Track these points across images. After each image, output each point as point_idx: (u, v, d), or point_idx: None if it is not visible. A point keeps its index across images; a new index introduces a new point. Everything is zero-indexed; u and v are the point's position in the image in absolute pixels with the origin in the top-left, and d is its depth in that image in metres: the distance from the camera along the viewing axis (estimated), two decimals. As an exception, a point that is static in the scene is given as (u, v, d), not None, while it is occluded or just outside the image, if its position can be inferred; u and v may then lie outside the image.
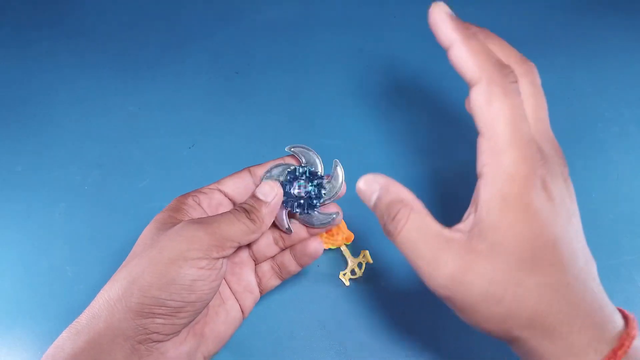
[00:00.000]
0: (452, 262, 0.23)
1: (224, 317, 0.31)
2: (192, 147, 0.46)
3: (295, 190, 0.31)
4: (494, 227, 0.22)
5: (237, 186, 0.32)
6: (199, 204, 0.30)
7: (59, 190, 0.44)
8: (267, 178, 0.31)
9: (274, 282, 0.34)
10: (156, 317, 0.25)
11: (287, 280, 0.38)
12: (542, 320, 0.22)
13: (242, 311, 0.32)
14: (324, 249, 0.38)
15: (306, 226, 0.32)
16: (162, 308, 0.25)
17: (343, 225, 0.39)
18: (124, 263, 0.28)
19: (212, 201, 0.31)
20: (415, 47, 0.52)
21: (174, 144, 0.46)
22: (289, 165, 0.32)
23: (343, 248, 0.38)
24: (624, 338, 0.22)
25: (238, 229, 0.27)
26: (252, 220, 0.28)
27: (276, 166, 0.32)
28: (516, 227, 0.22)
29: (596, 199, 0.42)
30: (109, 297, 0.25)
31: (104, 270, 0.40)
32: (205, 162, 0.45)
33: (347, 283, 0.38)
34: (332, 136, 0.46)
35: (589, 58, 0.51)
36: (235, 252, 0.32)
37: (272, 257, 0.33)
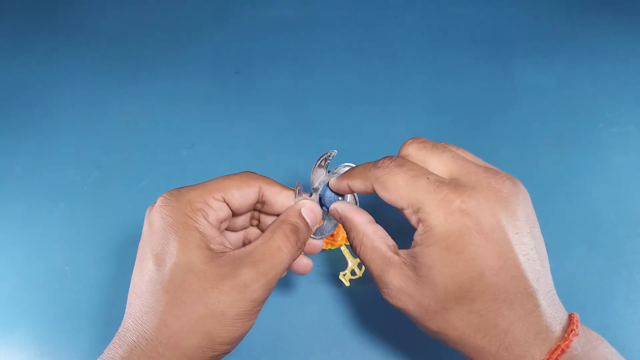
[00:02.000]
0: (395, 280, 0.26)
1: None
2: (191, 147, 0.46)
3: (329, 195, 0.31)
4: (424, 265, 0.25)
5: (244, 200, 0.28)
6: (206, 219, 0.27)
7: (59, 191, 0.44)
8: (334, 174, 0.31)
9: None
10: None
11: (287, 280, 0.38)
12: (471, 342, 0.25)
13: None
14: (324, 249, 0.38)
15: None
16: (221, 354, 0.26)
17: (343, 225, 0.39)
18: (139, 267, 0.26)
19: (219, 214, 0.28)
20: (415, 47, 0.52)
21: (174, 144, 0.46)
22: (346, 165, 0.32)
23: (343, 248, 0.38)
24: (551, 352, 0.23)
25: (286, 261, 0.26)
26: (299, 246, 0.27)
27: (345, 165, 0.31)
28: (442, 267, 0.24)
29: (596, 199, 0.42)
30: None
31: (103, 271, 0.40)
32: (205, 162, 0.45)
33: (347, 283, 0.38)
34: (332, 136, 0.46)
35: (589, 58, 0.51)
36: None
37: None
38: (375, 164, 0.28)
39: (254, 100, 0.49)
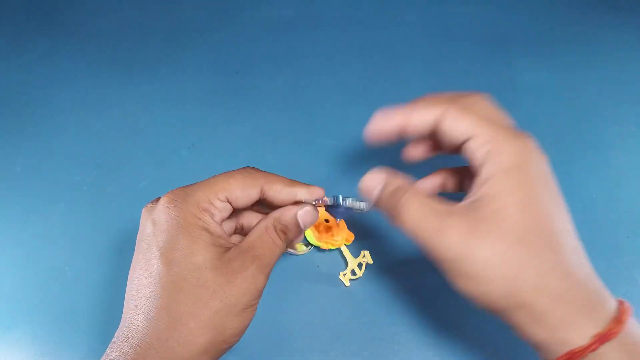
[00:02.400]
0: (456, 233, 0.24)
1: None
2: (191, 147, 0.46)
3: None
4: (496, 194, 0.24)
5: (246, 199, 0.29)
6: (212, 219, 0.28)
7: (58, 191, 0.43)
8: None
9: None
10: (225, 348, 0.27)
11: (287, 280, 0.38)
12: (537, 299, 0.23)
13: None
14: (324, 249, 0.38)
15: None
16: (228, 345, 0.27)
17: (343, 225, 0.39)
18: (136, 262, 0.26)
19: (223, 214, 0.29)
20: (415, 47, 0.52)
21: (174, 143, 0.46)
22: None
23: (343, 248, 0.38)
24: (612, 325, 0.22)
25: (276, 255, 0.28)
26: (286, 245, 0.29)
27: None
28: (517, 196, 0.24)
29: (596, 199, 0.42)
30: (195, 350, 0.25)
31: (103, 271, 0.40)
32: (205, 162, 0.45)
33: (347, 283, 0.38)
34: (332, 136, 0.46)
35: (590, 58, 0.51)
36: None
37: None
38: (452, 95, 0.28)
39: (254, 100, 0.49)
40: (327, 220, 0.39)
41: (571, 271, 0.24)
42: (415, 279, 0.38)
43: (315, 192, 0.30)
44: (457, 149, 0.28)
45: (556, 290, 0.23)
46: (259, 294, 0.27)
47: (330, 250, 0.39)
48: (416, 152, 0.33)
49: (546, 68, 0.50)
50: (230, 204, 0.28)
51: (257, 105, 0.48)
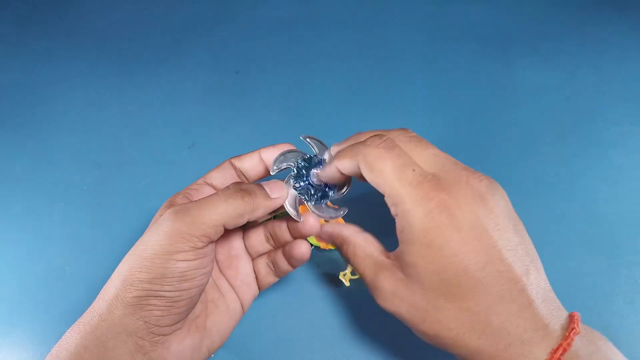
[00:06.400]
0: (387, 283, 0.27)
1: (225, 310, 0.31)
2: (191, 146, 0.46)
3: (313, 179, 0.31)
4: (409, 263, 0.25)
5: (224, 178, 0.32)
6: (191, 200, 0.30)
7: (58, 190, 0.43)
8: (281, 162, 0.30)
9: (271, 279, 0.33)
10: (154, 310, 0.25)
11: (287, 280, 0.38)
12: (468, 343, 0.24)
13: (241, 305, 0.32)
14: (324, 249, 0.38)
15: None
16: (158, 299, 0.25)
17: (343, 225, 0.39)
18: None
19: (204, 195, 0.31)
20: (415, 47, 0.52)
21: (174, 143, 0.46)
22: (304, 152, 0.31)
23: (343, 248, 0.38)
24: (553, 351, 0.22)
25: (223, 212, 0.26)
26: (244, 201, 0.27)
27: (290, 151, 0.31)
28: (425, 264, 0.25)
29: (596, 199, 0.42)
30: (107, 296, 0.26)
31: (103, 271, 0.39)
32: (204, 161, 0.45)
33: (347, 283, 0.38)
34: (332, 136, 0.46)
35: (590, 57, 0.51)
36: (229, 244, 0.33)
37: (267, 254, 0.33)
38: (364, 142, 0.28)
39: (254, 100, 0.49)
40: (327, 220, 0.39)
41: (501, 311, 0.23)
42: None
43: (280, 147, 0.31)
44: None
45: (483, 338, 0.24)
46: (178, 242, 0.25)
47: (330, 250, 0.39)
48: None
49: (546, 68, 0.50)
50: (210, 184, 0.31)
51: (257, 104, 0.48)
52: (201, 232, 0.26)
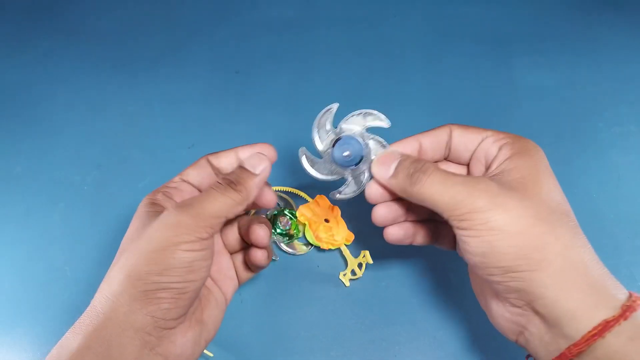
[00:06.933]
0: (485, 194, 0.25)
1: (214, 303, 0.32)
2: (191, 147, 0.46)
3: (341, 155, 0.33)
4: (515, 167, 0.27)
5: (200, 176, 0.32)
6: (170, 198, 0.31)
7: (58, 191, 0.44)
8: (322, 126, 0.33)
9: (248, 274, 0.34)
10: (162, 302, 0.26)
11: (288, 280, 0.38)
12: (555, 267, 0.24)
13: (225, 298, 0.33)
14: (324, 249, 0.38)
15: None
16: (167, 291, 0.26)
17: (343, 225, 0.39)
18: (113, 262, 0.28)
19: (183, 193, 0.32)
20: (415, 47, 0.52)
21: (174, 143, 0.46)
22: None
23: (343, 248, 0.38)
24: (630, 303, 0.23)
25: (223, 204, 0.28)
26: (237, 191, 0.28)
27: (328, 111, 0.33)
28: (533, 170, 0.27)
29: (596, 199, 0.42)
30: (110, 294, 0.26)
31: (103, 271, 0.39)
32: (205, 162, 0.45)
33: (347, 283, 0.38)
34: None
35: (590, 57, 0.51)
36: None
37: (242, 251, 0.34)
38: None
39: (254, 100, 0.49)
40: (327, 220, 0.39)
41: (587, 246, 0.25)
42: (415, 279, 0.38)
43: (257, 146, 0.31)
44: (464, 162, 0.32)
45: (577, 258, 0.24)
46: (184, 233, 0.26)
47: (330, 250, 0.39)
48: (396, 232, 0.32)
49: (546, 68, 0.50)
50: (187, 182, 0.32)
51: (257, 105, 0.48)
52: (206, 223, 0.27)
